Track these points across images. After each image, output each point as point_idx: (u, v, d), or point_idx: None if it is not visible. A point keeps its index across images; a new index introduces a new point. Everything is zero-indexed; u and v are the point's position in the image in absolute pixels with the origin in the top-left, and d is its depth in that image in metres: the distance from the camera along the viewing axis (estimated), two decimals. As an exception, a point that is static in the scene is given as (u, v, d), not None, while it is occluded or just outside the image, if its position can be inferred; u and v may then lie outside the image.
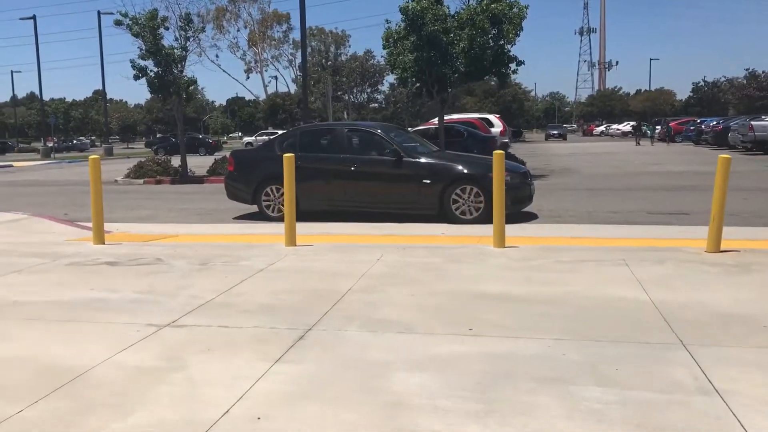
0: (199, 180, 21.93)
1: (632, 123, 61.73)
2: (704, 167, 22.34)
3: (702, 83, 73.17)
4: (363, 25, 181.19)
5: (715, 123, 41.00)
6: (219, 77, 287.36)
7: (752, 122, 29.82)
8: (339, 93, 39.56)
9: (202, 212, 13.35)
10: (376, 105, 49.30)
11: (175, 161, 23.62)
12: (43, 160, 45.89)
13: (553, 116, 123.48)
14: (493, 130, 27.35)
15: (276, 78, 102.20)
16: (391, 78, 49.50)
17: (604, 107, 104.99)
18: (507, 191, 10.62)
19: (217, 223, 11.77)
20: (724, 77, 68.56)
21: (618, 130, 73.46)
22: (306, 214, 11.43)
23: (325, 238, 9.12)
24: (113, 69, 56.93)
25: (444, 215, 10.68)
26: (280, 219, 11.52)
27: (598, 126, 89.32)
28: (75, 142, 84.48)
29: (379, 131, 11.35)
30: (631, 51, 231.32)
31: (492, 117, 29.12)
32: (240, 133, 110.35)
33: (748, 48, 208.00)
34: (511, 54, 20.19)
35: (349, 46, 70.37)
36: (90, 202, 9.00)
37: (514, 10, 19.18)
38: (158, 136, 73.99)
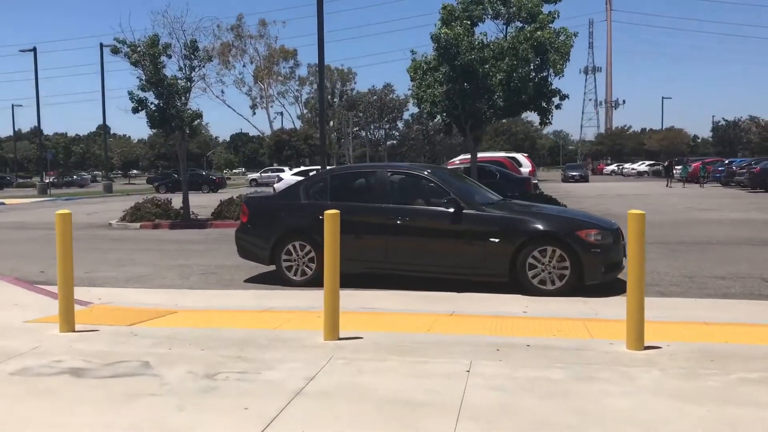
0: (202, 224, 19.63)
1: (661, 163, 59.58)
2: (764, 214, 20.05)
3: (722, 122, 71.35)
4: (370, 62, 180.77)
5: (746, 164, 38.84)
6: (223, 113, 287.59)
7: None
8: (356, 129, 37.38)
9: (207, 270, 11.01)
10: (395, 141, 47.06)
11: (177, 200, 21.34)
12: (38, 197, 43.74)
13: (558, 154, 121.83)
14: (521, 170, 25.19)
15: (281, 114, 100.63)
16: (409, 113, 47.59)
17: (614, 146, 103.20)
18: (599, 254, 8.36)
19: (225, 288, 9.43)
20: (750, 116, 66.79)
21: (633, 169, 71.39)
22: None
23: (372, 322, 6.80)
24: (117, 103, 55.23)
25: (517, 283, 8.35)
26: (305, 284, 9.21)
27: (608, 165, 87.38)
28: (75, 177, 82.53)
29: (430, 174, 9.06)
30: (637, 90, 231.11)
31: (520, 156, 27.00)
32: (243, 169, 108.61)
33: (757, 87, 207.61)
34: (553, 87, 18.05)
35: (355, 83, 69.72)
36: (66, 264, 6.58)
37: (561, 38, 17.12)
38: (160, 172, 72.02)
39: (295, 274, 9.26)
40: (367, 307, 7.63)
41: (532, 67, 17.21)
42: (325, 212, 6.07)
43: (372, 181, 9.24)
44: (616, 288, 8.67)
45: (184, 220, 20.21)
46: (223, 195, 36.40)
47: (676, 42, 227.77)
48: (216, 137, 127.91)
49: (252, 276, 10.22)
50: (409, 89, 18.69)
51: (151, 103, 19.42)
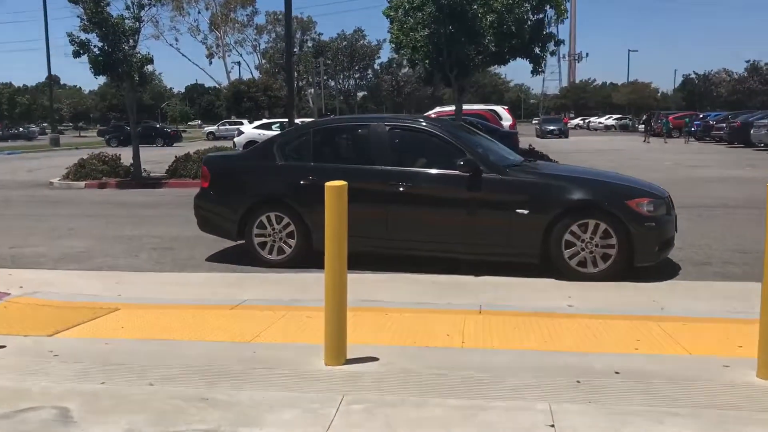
0: (155, 183, 17.58)
1: (628, 117, 57.68)
2: (762, 172, 18.85)
3: (693, 76, 70.52)
4: (338, 10, 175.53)
5: (723, 117, 37.90)
6: (178, 63, 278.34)
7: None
8: (324, 78, 34.95)
9: (160, 244, 9.15)
10: (364, 93, 44.49)
11: (127, 155, 19.13)
12: (-22, 151, 40.57)
13: (519, 108, 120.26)
14: (503, 123, 23.51)
15: (239, 64, 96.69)
16: (379, 62, 45.06)
17: (578, 100, 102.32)
18: (654, 229, 6.75)
19: (182, 269, 7.62)
20: (723, 69, 65.85)
21: (600, 123, 70.38)
22: (321, 256, 7.42)
23: (384, 325, 5.15)
24: (66, 51, 51.40)
25: (550, 264, 6.74)
26: (282, 265, 7.44)
27: (572, 119, 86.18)
28: (21, 129, 78.26)
29: (439, 129, 7.28)
30: (600, 43, 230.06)
31: (500, 109, 25.27)
32: (200, 122, 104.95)
33: (725, 43, 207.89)
34: (547, 30, 16.28)
35: (317, 33, 66.48)
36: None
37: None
38: (112, 124, 68.47)
39: (270, 253, 7.49)
40: (370, 299, 5.93)
41: (528, 6, 15.34)
42: (326, 185, 4.32)
43: (365, 138, 7.43)
44: (664, 269, 7.12)
45: (134, 178, 18.12)
46: (179, 149, 34.09)
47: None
48: (170, 88, 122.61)
49: (215, 252, 8.41)
50: (388, 32, 16.69)
51: (95, 47, 17.09)
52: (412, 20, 15.98)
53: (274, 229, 7.44)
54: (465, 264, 7.08)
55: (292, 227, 7.37)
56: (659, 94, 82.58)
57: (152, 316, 5.48)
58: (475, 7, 15.34)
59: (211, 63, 78.89)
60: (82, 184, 17.75)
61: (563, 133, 51.23)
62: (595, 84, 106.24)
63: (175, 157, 18.80)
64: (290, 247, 7.42)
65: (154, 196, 15.35)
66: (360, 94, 44.09)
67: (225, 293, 6.32)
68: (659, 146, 35.27)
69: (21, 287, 6.60)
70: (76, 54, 16.96)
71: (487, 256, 6.97)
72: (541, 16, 15.74)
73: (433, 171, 7.11)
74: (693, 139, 40.25)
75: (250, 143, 28.76)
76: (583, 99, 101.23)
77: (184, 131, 70.46)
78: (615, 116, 71.15)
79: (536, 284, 6.56)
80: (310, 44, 45.28)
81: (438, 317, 5.34)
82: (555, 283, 6.60)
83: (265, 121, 34.25)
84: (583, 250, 6.62)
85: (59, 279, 7.05)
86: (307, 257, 7.42)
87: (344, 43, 39.59)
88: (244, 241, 7.65)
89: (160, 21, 59.29)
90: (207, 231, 8.03)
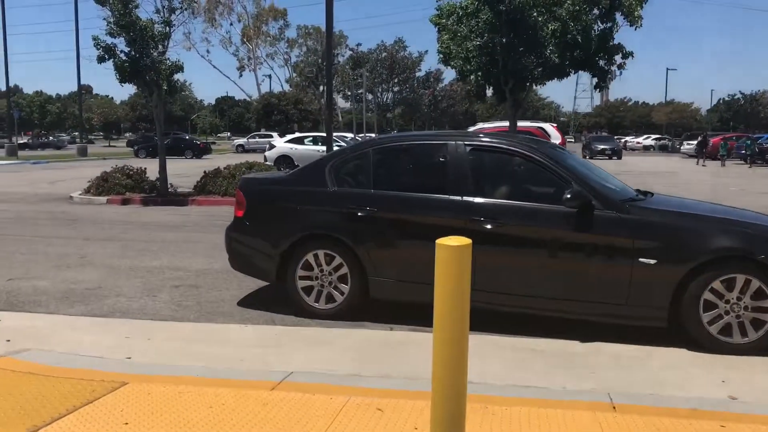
0: (181, 201, 16.28)
1: (666, 137, 54.59)
2: None
3: (739, 96, 68.13)
4: (361, 26, 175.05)
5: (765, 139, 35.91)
6: (209, 74, 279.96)
7: None
8: (360, 91, 33.43)
9: (184, 280, 7.74)
10: (401, 108, 42.77)
11: (154, 168, 17.86)
12: (5, 159, 39.91)
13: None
14: (552, 141, 21.95)
15: (270, 77, 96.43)
16: (421, 74, 43.36)
17: (612, 119, 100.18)
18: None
19: (209, 318, 6.19)
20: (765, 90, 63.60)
21: (638, 143, 68.20)
22: (378, 305, 6.01)
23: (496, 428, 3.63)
24: (90, 57, 50.87)
25: (683, 330, 5.21)
26: (332, 316, 6.01)
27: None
28: (51, 138, 78.27)
29: (536, 152, 5.76)
30: (634, 62, 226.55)
31: (548, 126, 23.66)
32: (229, 134, 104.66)
33: (754, 64, 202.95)
34: (614, 42, 14.75)
35: (347, 47, 65.02)
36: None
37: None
38: (141, 135, 67.94)
39: (316, 300, 6.04)
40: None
41: (595, 13, 13.82)
42: (440, 243, 2.85)
43: (439, 161, 5.94)
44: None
45: (160, 194, 16.85)
46: (208, 162, 33.02)
47: (677, 13, 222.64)
48: (201, 100, 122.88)
49: (250, 293, 6.99)
50: (437, 42, 15.28)
51: (121, 52, 15.91)
52: (465, 28, 14.53)
53: (322, 270, 6.00)
54: (560, 323, 5.56)
55: (344, 269, 5.93)
56: (700, 115, 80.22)
57: (168, 396, 4.04)
58: (536, 14, 13.86)
59: (241, 75, 78.54)
60: (104, 199, 16.52)
61: (616, 154, 45.65)
62: (630, 103, 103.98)
63: (204, 172, 17.51)
64: (342, 294, 5.97)
65: (180, 215, 14.02)
66: (398, 109, 42.41)
67: (263, 359, 4.88)
68: (716, 170, 33.21)
69: (8, 341, 5.25)
70: (101, 59, 15.79)
71: (597, 317, 5.44)
72: (609, 24, 14.21)
73: (529, 205, 5.60)
74: (741, 162, 38.11)
75: (282, 158, 27.53)
76: (618, 118, 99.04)
77: (214, 143, 69.80)
78: (654, 136, 68.96)
79: (668, 358, 5.02)
80: (345, 56, 44.06)
81: (560, 417, 3.83)
82: (692, 356, 5.06)
83: (297, 135, 32.94)
84: (727, 313, 5.08)
85: (57, 329, 5.68)
86: (362, 307, 5.98)
87: (383, 54, 38.05)
88: (283, 284, 6.20)
89: (189, 25, 58.66)
90: (241, 270, 6.60)
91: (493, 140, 5.99)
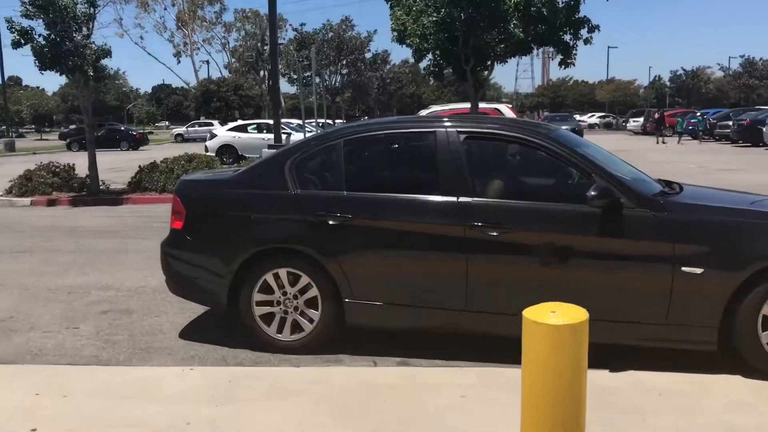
0: (115, 200, 14.77)
1: (611, 115, 53.63)
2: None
3: (681, 72, 68.81)
4: (303, 8, 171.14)
5: (724, 115, 35.97)
6: (144, 62, 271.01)
7: (811, 115, 24.50)
8: (306, 75, 31.73)
9: (114, 303, 6.46)
10: (349, 92, 41.00)
11: (86, 161, 16.11)
12: None
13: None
14: (509, 124, 21.03)
15: (208, 63, 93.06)
16: (371, 54, 41.85)
17: (555, 98, 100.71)
18: None
19: (142, 357, 4.97)
20: (720, 65, 64.35)
21: (583, 122, 68.14)
22: (357, 334, 4.89)
23: None
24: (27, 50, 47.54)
25: (736, 353, 4.24)
26: (297, 349, 4.81)
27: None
28: (-23, 133, 73.97)
29: (547, 139, 4.64)
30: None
31: (503, 107, 22.72)
32: (167, 123, 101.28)
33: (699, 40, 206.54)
34: (580, 16, 13.84)
35: (287, 31, 62.70)
36: None
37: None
38: (73, 127, 64.65)
39: (279, 330, 4.87)
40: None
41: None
42: (528, 317, 1.67)
43: (428, 153, 4.80)
44: None
45: (90, 193, 15.27)
46: (145, 154, 31.14)
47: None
48: (136, 89, 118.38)
49: (195, 318, 5.77)
50: (390, 18, 14.11)
51: (39, 35, 14.23)
52: (421, 2, 13.40)
53: (285, 293, 4.83)
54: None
55: (313, 291, 4.78)
56: (642, 92, 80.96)
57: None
58: (498, -15, 12.83)
59: (179, 62, 75.46)
60: (28, 200, 14.87)
61: (578, 134, 45.00)
62: (571, 82, 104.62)
63: (139, 166, 15.98)
64: (311, 321, 4.81)
65: (113, 217, 12.57)
66: (347, 93, 40.66)
67: (213, 424, 3.70)
68: (672, 147, 32.87)
69: None
70: (16, 44, 14.08)
71: (631, 340, 4.42)
72: (574, -3, 13.28)
73: (542, 206, 4.54)
74: (688, 137, 38.02)
75: (225, 147, 25.97)
76: (560, 97, 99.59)
77: (151, 133, 67.12)
78: (598, 114, 69.24)
79: (727, 392, 4.04)
80: (286, 39, 41.79)
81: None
82: (756, 388, 4.08)
83: (240, 122, 31.27)
84: (794, 332, 4.12)
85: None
86: (337, 336, 4.85)
87: (330, 34, 36.29)
88: (235, 312, 5.00)
89: (124, 18, 56.00)
90: (183, 295, 5.36)
91: (492, 125, 4.89)
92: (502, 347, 4.48)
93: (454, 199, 4.53)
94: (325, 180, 5.02)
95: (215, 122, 52.27)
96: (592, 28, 13.95)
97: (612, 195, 4.24)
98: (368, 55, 39.99)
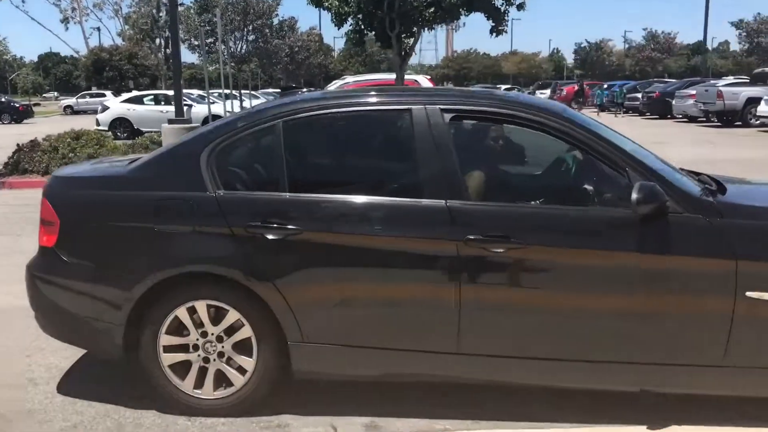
0: (-12, 183, 12.68)
1: (517, 87, 53.95)
2: (727, 150, 16.50)
3: (585, 44, 69.82)
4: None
5: (632, 88, 36.36)
6: (28, 28, 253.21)
7: (722, 88, 24.75)
8: (210, 41, 29.27)
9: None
10: (256, 62, 38.25)
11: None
12: None
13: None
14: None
15: (99, 30, 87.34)
16: (279, 19, 39.37)
17: (461, 70, 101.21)
18: None
19: (5, 426, 3.50)
20: (624, 38, 65.79)
21: (491, 93, 68.34)
22: (306, 387, 3.58)
23: None
24: None
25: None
26: (221, 411, 3.41)
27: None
28: None
29: (564, 121, 3.43)
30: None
31: (422, 78, 21.64)
32: (56, 94, 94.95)
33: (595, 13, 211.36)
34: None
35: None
36: None
37: None
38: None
39: (198, 385, 3.53)
40: None
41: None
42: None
43: (402, 139, 3.54)
44: None
45: (-43, 176, 13.09)
46: (29, 128, 28.23)
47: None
48: (20, 57, 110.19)
49: (77, 361, 4.31)
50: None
51: None
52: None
53: (205, 334, 3.50)
54: (603, 399, 3.46)
55: (246, 331, 3.46)
56: (564, 63, 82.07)
57: None
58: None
59: (67, 29, 70.64)
60: None
61: None
62: (475, 54, 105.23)
63: (18, 145, 13.83)
64: (243, 372, 3.49)
65: (-16, 206, 10.61)
66: (253, 62, 38.02)
67: None
68: (610, 120, 32.58)
69: None
70: None
71: (677, 386, 3.36)
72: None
73: (562, 210, 3.38)
74: (595, 110, 38.22)
75: (119, 121, 23.76)
76: (465, 69, 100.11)
77: (38, 105, 62.30)
78: (504, 86, 69.59)
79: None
80: (185, 3, 38.68)
81: None
82: None
83: (136, 93, 28.80)
84: None
85: None
86: (279, 390, 3.56)
87: None
88: (133, 359, 3.61)
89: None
90: (59, 337, 3.88)
91: (486, 102, 3.62)
92: (503, 398, 3.33)
93: (440, 203, 3.30)
94: (260, 177, 3.67)
95: (108, 93, 48.90)
96: (524, -5, 13.01)
97: (660, 198, 3.11)
98: (275, 21, 37.77)
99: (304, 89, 5.37)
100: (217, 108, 20.19)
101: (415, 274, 3.32)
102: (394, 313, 3.36)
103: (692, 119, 27.69)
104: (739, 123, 24.34)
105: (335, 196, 3.41)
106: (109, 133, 21.63)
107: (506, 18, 13.22)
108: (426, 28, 13.71)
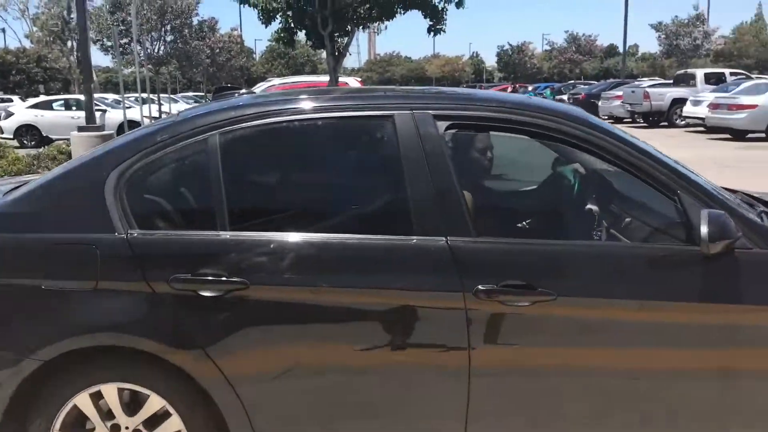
0: None
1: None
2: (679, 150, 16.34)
3: (507, 47, 70.46)
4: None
5: (557, 90, 36.68)
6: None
7: (648, 89, 24.96)
8: (125, 41, 27.43)
9: None
10: (175, 64, 36.10)
11: None
12: None
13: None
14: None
15: (4, 31, 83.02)
16: (198, 20, 37.62)
17: (384, 73, 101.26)
18: None
19: None
20: (548, 41, 66.62)
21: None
22: None
23: None
24: None
25: None
26: None
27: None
28: None
29: (585, 125, 2.61)
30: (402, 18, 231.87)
31: (352, 81, 20.82)
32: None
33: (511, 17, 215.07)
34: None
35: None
36: None
37: None
38: None
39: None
40: None
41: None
42: None
43: (381, 156, 2.68)
44: None
45: None
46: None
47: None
48: None
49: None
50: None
51: None
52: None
53: (117, 428, 2.54)
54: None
55: (174, 422, 2.53)
56: (484, 66, 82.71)
57: None
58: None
59: (-32, 29, 66.35)
60: None
61: None
62: (398, 57, 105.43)
63: None
64: (169, 479, 2.54)
65: None
66: (172, 64, 36.02)
67: None
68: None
69: None
70: None
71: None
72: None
73: (600, 248, 2.59)
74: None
75: (26, 128, 21.89)
76: (389, 72, 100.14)
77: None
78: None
79: None
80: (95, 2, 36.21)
81: None
82: None
83: (44, 98, 26.83)
84: None
85: None
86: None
87: None
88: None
89: None
90: None
91: (489, 105, 2.75)
92: None
93: (439, 240, 2.44)
94: (189, 210, 2.72)
95: (15, 98, 46.16)
96: (462, -8, 12.34)
97: (734, 232, 2.35)
98: (195, 22, 36.11)
99: (243, 91, 4.53)
100: (134, 113, 18.84)
101: (410, 340, 2.45)
102: (381, 397, 2.48)
103: (618, 120, 27.89)
104: (665, 123, 24.60)
105: (294, 235, 2.51)
106: (14, 140, 19.89)
107: (445, 16, 12.55)
108: (360, 27, 12.90)
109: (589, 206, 2.91)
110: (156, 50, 33.29)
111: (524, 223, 2.81)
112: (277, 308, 2.45)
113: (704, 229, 2.29)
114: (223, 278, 2.42)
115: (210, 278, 2.43)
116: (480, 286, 2.37)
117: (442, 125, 2.57)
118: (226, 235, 2.51)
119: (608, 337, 2.43)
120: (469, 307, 2.38)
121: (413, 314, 2.44)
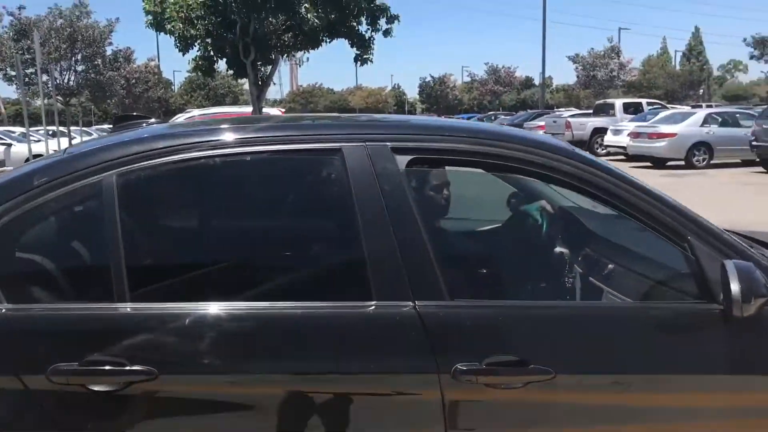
0: None
1: None
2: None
3: (429, 79, 71.31)
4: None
5: (480, 120, 37.04)
6: None
7: (570, 119, 25.42)
8: (30, 71, 25.80)
9: None
10: (94, 90, 34.18)
11: None
12: None
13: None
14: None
15: None
16: (112, 49, 35.99)
17: (307, 104, 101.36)
18: None
19: None
20: (468, 72, 67.77)
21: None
22: None
23: None
24: None
25: None
26: None
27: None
28: None
29: (574, 159, 2.13)
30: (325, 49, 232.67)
31: (276, 111, 20.23)
32: None
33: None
34: (379, 2, 11.80)
35: (4, 10, 51.98)
36: None
37: None
38: None
39: None
40: None
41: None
42: None
43: (329, 198, 2.15)
44: None
45: None
46: None
47: None
48: None
49: None
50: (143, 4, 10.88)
51: None
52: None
53: None
54: None
55: None
56: (407, 98, 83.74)
57: None
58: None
59: None
60: None
61: None
62: (320, 88, 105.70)
63: None
64: None
65: None
66: (83, 95, 34.09)
67: None
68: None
69: None
70: None
71: None
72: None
73: (607, 309, 2.12)
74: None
75: None
76: (312, 103, 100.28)
77: None
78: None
79: None
80: (6, 24, 33.62)
81: None
82: None
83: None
84: None
85: None
86: None
87: (60, 21, 29.71)
88: None
89: None
90: None
91: (463, 137, 2.23)
92: None
93: (404, 306, 1.91)
94: (76, 274, 2.10)
95: None
96: (392, 19, 12.00)
97: (765, 288, 1.91)
98: (108, 51, 34.65)
99: (153, 120, 3.86)
100: (40, 147, 17.68)
101: (368, 437, 1.90)
102: None
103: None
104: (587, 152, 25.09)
105: (217, 305, 1.93)
106: None
107: (372, 45, 12.19)
108: (285, 55, 12.37)
109: (570, 253, 2.45)
110: (66, 80, 31.70)
111: (510, 281, 2.32)
112: (194, 405, 1.86)
113: (735, 287, 1.84)
114: (123, 367, 1.81)
115: (105, 367, 1.82)
116: (460, 365, 1.85)
117: (402, 160, 2.05)
118: (126, 307, 1.91)
119: (622, 423, 1.95)
120: (446, 393, 1.85)
121: (374, 405, 1.90)
